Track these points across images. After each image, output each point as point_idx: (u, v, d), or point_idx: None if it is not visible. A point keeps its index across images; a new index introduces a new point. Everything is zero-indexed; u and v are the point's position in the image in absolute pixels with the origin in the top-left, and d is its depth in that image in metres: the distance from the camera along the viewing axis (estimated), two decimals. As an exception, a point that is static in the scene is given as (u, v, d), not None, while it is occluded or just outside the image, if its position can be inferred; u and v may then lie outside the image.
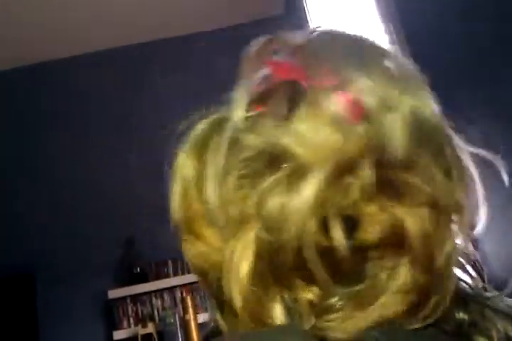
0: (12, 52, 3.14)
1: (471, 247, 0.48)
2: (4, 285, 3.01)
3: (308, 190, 0.39)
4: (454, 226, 0.45)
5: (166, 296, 3.03)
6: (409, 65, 0.42)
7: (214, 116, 0.48)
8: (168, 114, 2.93)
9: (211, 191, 0.45)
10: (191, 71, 3.11)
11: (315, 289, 0.45)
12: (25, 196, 3.16)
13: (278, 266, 0.43)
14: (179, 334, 2.31)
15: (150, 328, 2.73)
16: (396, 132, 0.40)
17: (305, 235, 0.40)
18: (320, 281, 0.43)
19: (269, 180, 0.42)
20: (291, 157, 0.42)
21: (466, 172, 0.46)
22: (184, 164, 0.47)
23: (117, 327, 2.99)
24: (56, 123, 3.25)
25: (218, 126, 0.47)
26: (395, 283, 0.43)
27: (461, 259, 0.48)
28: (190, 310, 2.12)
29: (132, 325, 2.98)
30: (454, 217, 0.44)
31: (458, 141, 0.47)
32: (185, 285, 3.02)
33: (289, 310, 0.46)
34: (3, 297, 3.01)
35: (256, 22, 3.08)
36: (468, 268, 0.49)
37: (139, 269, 3.06)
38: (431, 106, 0.42)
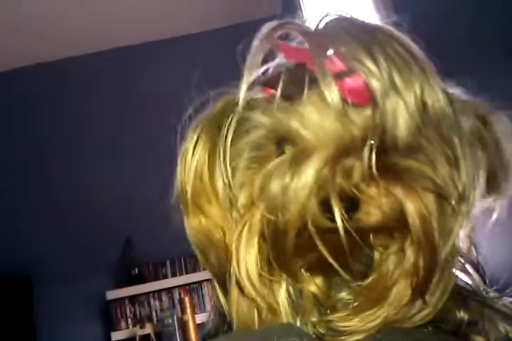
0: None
1: (472, 248, 0.49)
2: (1, 288, 3.01)
3: (309, 171, 0.40)
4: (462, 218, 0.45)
5: (164, 297, 3.03)
6: (417, 50, 0.42)
7: (225, 99, 0.49)
8: (169, 115, 2.92)
9: (222, 172, 0.46)
10: (192, 70, 3.10)
11: (319, 281, 0.45)
12: (22, 198, 3.15)
13: (282, 250, 0.43)
14: (177, 335, 2.30)
15: (148, 329, 2.72)
16: (399, 117, 0.40)
17: (306, 216, 0.41)
18: (323, 268, 0.44)
19: (273, 163, 0.44)
20: (296, 139, 0.44)
21: (476, 162, 0.45)
22: (197, 144, 0.48)
23: (115, 328, 2.99)
24: (54, 125, 3.24)
25: (229, 108, 0.48)
26: (401, 269, 0.43)
27: (461, 259, 0.48)
28: (189, 311, 2.11)
29: (130, 326, 2.98)
30: (461, 207, 0.44)
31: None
32: (183, 285, 3.02)
33: (293, 304, 0.46)
34: (1, 299, 3.00)
35: (254, 22, 3.07)
36: (469, 268, 0.49)
37: (137, 270, 3.05)
38: (439, 93, 0.41)
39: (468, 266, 0.49)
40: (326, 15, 0.44)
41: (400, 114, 0.40)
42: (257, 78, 0.46)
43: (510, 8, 1.12)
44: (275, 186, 0.42)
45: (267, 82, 0.46)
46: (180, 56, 3.19)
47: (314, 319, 0.45)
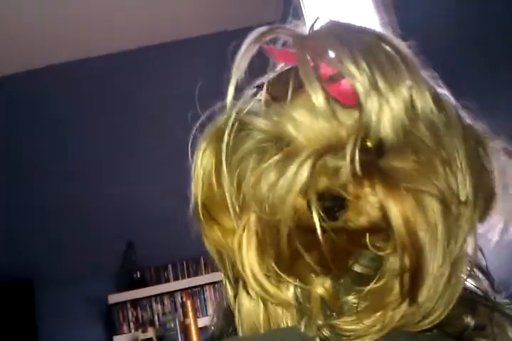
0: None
1: (479, 252, 0.49)
2: (3, 292, 3.01)
3: (294, 170, 0.41)
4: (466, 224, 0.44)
5: (166, 301, 3.03)
6: (408, 53, 0.43)
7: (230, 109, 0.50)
8: (169, 120, 2.93)
9: (225, 179, 0.48)
10: (191, 76, 3.11)
11: (327, 285, 0.46)
12: (23, 201, 3.15)
13: (279, 251, 0.44)
14: (179, 339, 2.30)
15: (150, 333, 2.72)
16: (383, 118, 0.40)
17: (295, 215, 0.42)
18: (320, 268, 0.44)
19: (266, 163, 0.45)
20: (290, 141, 0.45)
21: (472, 165, 0.44)
22: (204, 154, 0.49)
23: (117, 332, 2.98)
24: (56, 130, 3.25)
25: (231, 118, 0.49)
26: (392, 271, 0.43)
27: (469, 264, 0.48)
28: (191, 315, 2.11)
29: (132, 330, 2.97)
30: (462, 211, 0.44)
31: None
32: (185, 289, 3.02)
33: (299, 307, 0.46)
34: (2, 303, 3.00)
35: (253, 28, 3.07)
36: (478, 273, 0.49)
37: (138, 274, 3.05)
38: (427, 95, 0.42)
39: (477, 272, 0.49)
40: (316, 20, 0.46)
41: (384, 115, 0.40)
42: (258, 81, 0.47)
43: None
44: (264, 186, 0.44)
45: (261, 86, 0.47)
46: (177, 62, 3.19)
47: (320, 322, 0.45)
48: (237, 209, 0.47)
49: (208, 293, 3.00)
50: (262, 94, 0.48)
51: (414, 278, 0.42)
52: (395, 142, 0.42)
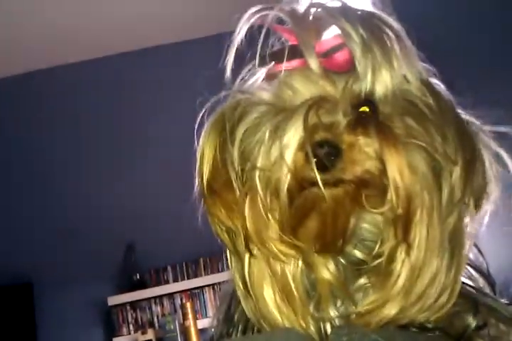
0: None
1: (480, 256, 0.49)
2: (2, 294, 3.00)
3: (292, 125, 0.43)
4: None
5: (166, 302, 3.03)
6: (401, 30, 0.46)
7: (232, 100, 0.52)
8: (171, 121, 2.94)
9: (230, 150, 0.50)
10: (194, 77, 3.11)
11: (332, 267, 0.46)
12: (24, 204, 3.15)
13: (281, 212, 0.45)
14: (179, 341, 2.30)
15: (150, 335, 2.72)
16: (378, 80, 0.44)
17: (295, 170, 0.43)
18: (325, 241, 0.45)
19: (265, 126, 0.48)
20: (288, 106, 0.47)
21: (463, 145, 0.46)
22: (209, 134, 0.51)
23: (117, 333, 2.98)
24: (57, 134, 3.25)
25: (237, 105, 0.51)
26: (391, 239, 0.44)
27: (469, 267, 0.49)
28: (190, 317, 2.11)
29: (132, 332, 2.97)
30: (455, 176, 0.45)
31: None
32: (184, 291, 3.02)
33: (308, 293, 0.47)
34: (2, 306, 2.99)
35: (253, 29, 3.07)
36: (477, 275, 0.49)
37: (138, 275, 3.05)
38: (418, 74, 0.46)
39: (475, 273, 0.49)
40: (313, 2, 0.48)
41: (377, 76, 0.44)
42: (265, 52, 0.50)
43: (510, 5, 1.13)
44: (264, 146, 0.46)
45: (264, 60, 0.50)
46: (176, 63, 3.20)
47: (332, 313, 0.46)
48: (240, 184, 0.49)
49: (208, 294, 3.00)
50: (262, 71, 0.51)
51: (406, 222, 0.43)
52: (388, 104, 0.45)
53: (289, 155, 0.43)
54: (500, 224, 0.50)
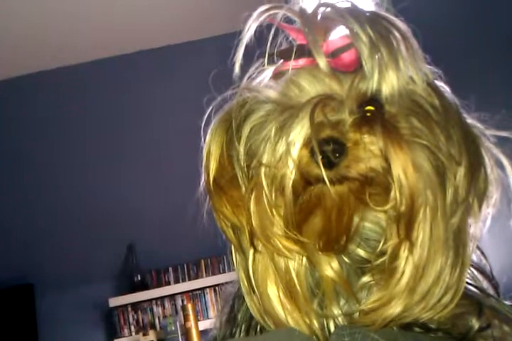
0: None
1: (483, 258, 0.49)
2: (4, 296, 3.00)
3: (298, 123, 0.44)
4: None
5: (167, 304, 3.03)
6: (407, 30, 0.46)
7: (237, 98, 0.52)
8: (173, 123, 2.95)
9: (239, 152, 0.50)
10: (188, 79, 3.12)
11: (335, 265, 0.46)
12: (24, 206, 3.15)
13: (286, 209, 0.45)
14: (180, 342, 2.29)
15: (151, 336, 2.72)
16: (385, 79, 0.45)
17: (300, 167, 0.44)
18: (329, 238, 0.45)
19: (271, 123, 0.48)
20: (294, 104, 0.47)
21: (467, 150, 0.46)
22: (215, 132, 0.52)
23: (118, 335, 2.98)
24: (54, 133, 3.25)
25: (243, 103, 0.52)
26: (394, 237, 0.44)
27: (473, 268, 0.49)
28: (192, 318, 2.10)
29: (133, 333, 2.97)
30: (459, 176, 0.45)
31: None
32: (186, 292, 3.01)
33: (312, 290, 0.47)
34: (3, 307, 2.99)
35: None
36: (481, 277, 0.49)
37: (139, 277, 3.05)
38: (424, 78, 0.46)
39: (478, 275, 0.49)
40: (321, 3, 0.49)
41: (383, 75, 0.44)
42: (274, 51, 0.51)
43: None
44: (270, 143, 0.46)
45: (273, 59, 0.51)
46: (175, 65, 3.20)
47: (336, 312, 0.46)
48: (246, 180, 0.49)
49: (209, 295, 3.00)
50: (270, 70, 0.51)
51: (410, 220, 0.43)
52: (393, 103, 0.45)
53: (295, 152, 0.43)
54: (502, 226, 0.50)
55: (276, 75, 0.51)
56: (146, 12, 3.02)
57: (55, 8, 2.85)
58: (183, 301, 2.98)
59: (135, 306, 3.02)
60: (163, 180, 2.98)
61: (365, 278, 0.46)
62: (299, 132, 0.43)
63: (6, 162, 3.18)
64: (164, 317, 2.90)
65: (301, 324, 0.46)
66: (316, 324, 0.46)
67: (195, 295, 3.01)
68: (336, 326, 0.46)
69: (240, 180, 0.50)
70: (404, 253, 0.44)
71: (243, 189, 0.49)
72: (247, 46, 0.49)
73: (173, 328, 2.38)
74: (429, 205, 0.43)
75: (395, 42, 0.45)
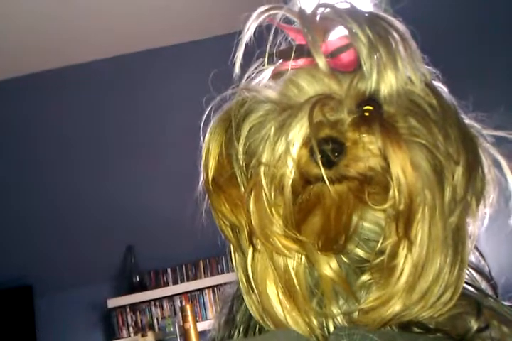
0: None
1: (481, 259, 0.49)
2: (3, 297, 3.00)
3: (297, 122, 0.44)
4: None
5: (166, 305, 3.03)
6: (405, 31, 0.47)
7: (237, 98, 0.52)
8: (173, 124, 2.95)
9: (238, 151, 0.50)
10: (188, 79, 3.12)
11: (334, 265, 0.46)
12: (23, 206, 3.15)
13: (285, 208, 0.45)
14: (179, 343, 2.29)
15: (150, 337, 2.72)
16: (383, 79, 0.45)
17: (299, 166, 0.44)
18: (328, 237, 0.45)
19: (270, 123, 0.48)
20: (293, 104, 0.48)
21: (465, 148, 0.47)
22: (215, 131, 0.52)
23: (117, 336, 2.98)
24: (54, 132, 3.25)
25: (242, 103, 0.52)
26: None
27: (471, 269, 0.49)
28: (190, 319, 2.10)
29: (132, 334, 2.97)
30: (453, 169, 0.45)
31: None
32: (184, 293, 3.01)
33: (311, 289, 0.47)
34: (2, 309, 2.99)
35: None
36: (479, 277, 0.50)
37: (138, 278, 3.05)
38: (422, 78, 0.46)
39: (477, 275, 0.49)
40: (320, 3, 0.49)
41: (382, 75, 0.44)
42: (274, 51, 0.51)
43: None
44: (269, 143, 0.46)
45: (272, 59, 0.51)
46: (175, 64, 3.20)
47: (336, 310, 0.46)
48: (245, 179, 0.50)
49: (208, 296, 3.00)
50: (269, 70, 0.51)
51: (408, 219, 0.43)
52: (392, 103, 0.46)
53: (294, 152, 0.44)
54: (500, 226, 0.50)
55: (276, 75, 0.51)
56: (146, 12, 3.01)
57: (55, 8, 2.85)
58: (181, 302, 2.98)
59: (134, 307, 3.02)
60: (162, 181, 2.97)
61: (364, 277, 0.46)
62: (298, 131, 0.44)
63: (6, 162, 3.17)
64: (163, 318, 2.90)
65: (300, 323, 0.46)
66: (315, 323, 0.46)
67: (194, 296, 3.01)
68: (335, 326, 0.46)
69: (239, 179, 0.50)
70: (403, 251, 0.44)
71: (242, 188, 0.49)
72: (246, 46, 0.50)
73: (172, 329, 2.38)
74: (427, 204, 0.44)
75: (393, 43, 0.45)
